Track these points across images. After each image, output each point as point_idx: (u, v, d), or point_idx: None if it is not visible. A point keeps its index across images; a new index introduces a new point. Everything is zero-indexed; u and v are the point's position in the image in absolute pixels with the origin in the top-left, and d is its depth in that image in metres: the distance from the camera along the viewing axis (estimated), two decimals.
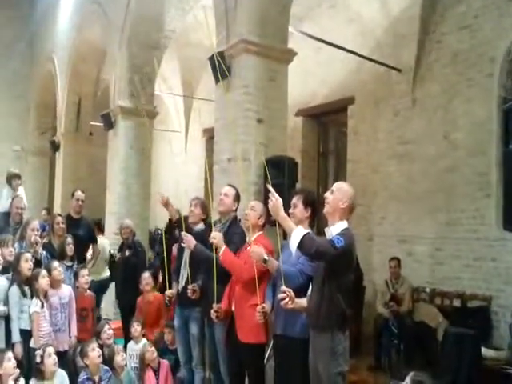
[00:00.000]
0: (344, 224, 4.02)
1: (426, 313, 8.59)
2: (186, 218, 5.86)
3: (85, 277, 6.65)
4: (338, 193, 4.09)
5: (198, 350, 5.81)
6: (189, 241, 5.40)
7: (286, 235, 6.00)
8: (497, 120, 8.17)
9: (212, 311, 5.12)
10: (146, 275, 7.33)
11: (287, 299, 3.94)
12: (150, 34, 10.85)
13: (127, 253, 8.14)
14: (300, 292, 4.20)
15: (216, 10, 7.61)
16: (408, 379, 3.72)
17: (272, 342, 4.69)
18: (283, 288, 3.97)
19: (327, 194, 4.14)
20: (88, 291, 6.74)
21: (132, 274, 7.83)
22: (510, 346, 7.18)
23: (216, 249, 5.02)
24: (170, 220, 6.46)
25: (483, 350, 6.58)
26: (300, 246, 3.79)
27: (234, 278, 5.12)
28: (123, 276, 8.15)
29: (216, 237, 4.99)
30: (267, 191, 6.13)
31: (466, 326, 7.31)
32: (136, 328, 6.55)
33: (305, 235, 3.78)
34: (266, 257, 4.48)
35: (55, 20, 16.05)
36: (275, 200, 3.93)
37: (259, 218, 5.13)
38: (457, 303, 8.48)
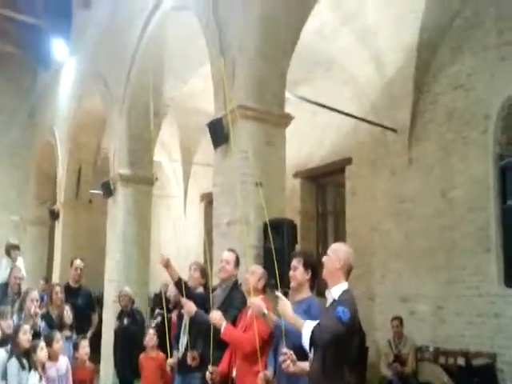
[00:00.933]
0: (344, 286, 3.96)
1: (430, 373, 8.53)
2: (186, 283, 5.79)
3: (85, 348, 6.52)
4: (333, 254, 4.05)
5: None
6: (189, 307, 5.34)
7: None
8: (493, 176, 8.22)
9: (207, 373, 5.05)
10: (151, 332, 7.23)
11: (288, 361, 3.85)
12: (150, 103, 11.00)
13: (125, 321, 8.02)
14: (301, 352, 4.12)
15: (213, 78, 7.73)
16: None
17: None
18: (284, 350, 3.90)
19: (324, 258, 4.11)
20: (87, 362, 6.58)
21: (131, 343, 7.69)
22: None
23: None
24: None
25: None
26: (312, 341, 3.71)
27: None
28: (122, 345, 8.01)
29: (216, 316, 4.96)
30: (267, 254, 6.13)
31: None
32: None
33: (313, 329, 3.71)
34: (265, 311, 4.43)
35: (56, 91, 16.34)
36: (283, 303, 3.90)
37: (259, 281, 5.09)
38: (461, 362, 8.33)
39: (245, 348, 4.81)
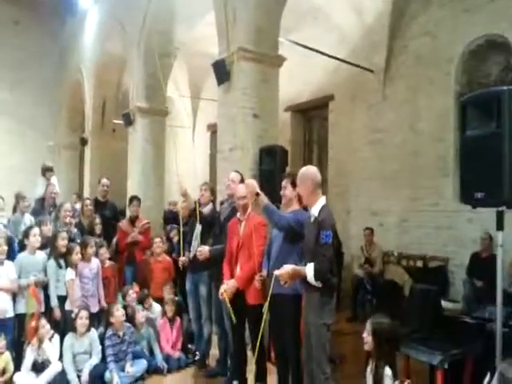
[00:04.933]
0: (321, 201, 3.98)
1: (394, 273, 8.78)
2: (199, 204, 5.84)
3: (105, 254, 6.50)
4: (301, 182, 4.07)
5: (206, 308, 5.80)
6: (204, 252, 5.41)
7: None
8: (454, 111, 8.22)
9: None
10: (158, 240, 7.26)
11: (283, 282, 3.93)
12: (163, 46, 10.78)
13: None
14: (290, 233, 4.30)
15: (217, 24, 7.54)
16: (368, 324, 3.62)
17: (268, 300, 4.65)
18: (276, 273, 3.95)
19: (297, 189, 4.18)
20: (107, 262, 6.58)
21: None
22: (464, 298, 7.28)
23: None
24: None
25: (443, 303, 6.58)
26: (316, 277, 3.78)
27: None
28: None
29: (228, 290, 4.87)
30: (262, 176, 6.14)
31: (427, 282, 7.32)
32: (148, 303, 6.46)
33: (314, 268, 3.78)
34: (258, 190, 4.46)
35: (82, 35, 15.89)
36: (284, 270, 3.87)
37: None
38: (420, 264, 8.61)
39: (254, 272, 4.84)
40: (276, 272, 3.95)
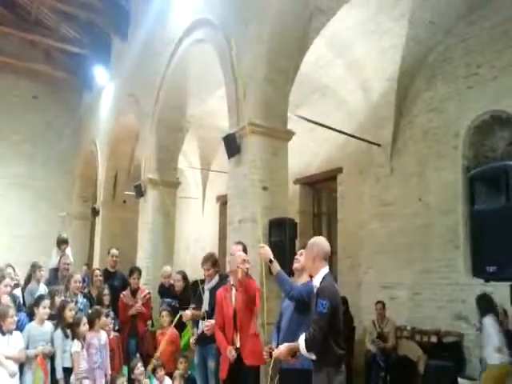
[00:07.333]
0: (323, 271, 3.92)
1: (407, 348, 8.44)
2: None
3: (109, 325, 6.42)
4: (307, 249, 4.07)
5: (215, 382, 5.63)
6: (212, 328, 5.38)
7: None
8: (462, 185, 8.22)
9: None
10: (164, 313, 7.15)
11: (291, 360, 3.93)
12: (175, 120, 11.06)
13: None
14: (301, 304, 4.21)
15: (228, 99, 7.74)
16: None
17: (278, 377, 4.50)
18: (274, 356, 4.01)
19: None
20: (112, 333, 6.49)
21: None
22: (482, 376, 7.00)
23: None
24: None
25: (460, 381, 6.37)
26: (308, 348, 3.74)
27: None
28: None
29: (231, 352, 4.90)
30: (272, 248, 6.12)
31: (442, 358, 7.11)
32: (160, 373, 6.32)
33: (305, 339, 3.74)
34: (271, 257, 4.45)
35: (98, 110, 16.41)
36: (279, 353, 3.94)
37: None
38: (434, 339, 8.34)
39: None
40: (274, 354, 3.95)
